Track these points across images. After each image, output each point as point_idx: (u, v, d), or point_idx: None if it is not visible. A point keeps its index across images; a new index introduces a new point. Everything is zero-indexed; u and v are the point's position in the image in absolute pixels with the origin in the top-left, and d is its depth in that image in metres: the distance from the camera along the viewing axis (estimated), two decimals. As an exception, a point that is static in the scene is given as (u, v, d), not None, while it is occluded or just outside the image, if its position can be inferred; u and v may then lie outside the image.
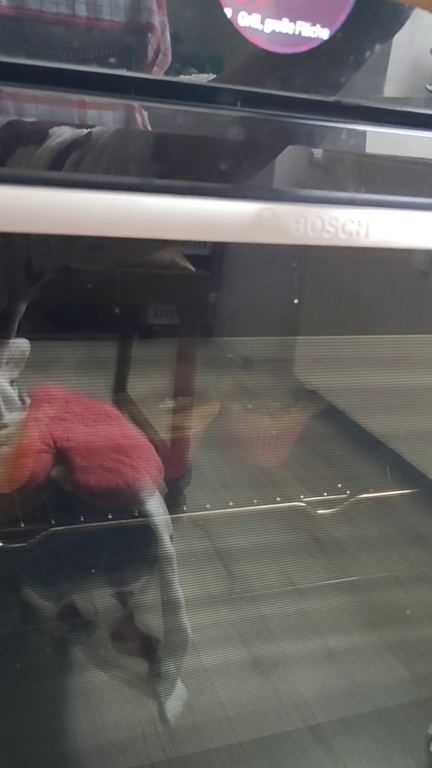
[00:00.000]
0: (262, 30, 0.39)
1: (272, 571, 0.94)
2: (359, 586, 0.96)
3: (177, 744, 0.82)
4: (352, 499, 0.86)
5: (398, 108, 0.45)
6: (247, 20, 0.38)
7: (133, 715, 0.82)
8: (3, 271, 0.61)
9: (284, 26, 0.39)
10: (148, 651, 0.78)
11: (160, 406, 0.83)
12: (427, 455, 0.94)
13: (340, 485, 0.86)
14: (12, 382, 0.70)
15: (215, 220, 0.39)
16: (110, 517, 0.72)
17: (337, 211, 0.42)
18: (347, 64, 0.42)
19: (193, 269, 0.73)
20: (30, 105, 0.39)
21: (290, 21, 0.39)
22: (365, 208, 0.42)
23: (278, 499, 0.83)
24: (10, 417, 0.68)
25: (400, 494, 0.89)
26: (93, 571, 0.75)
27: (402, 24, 0.42)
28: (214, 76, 0.44)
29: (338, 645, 0.94)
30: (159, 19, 0.44)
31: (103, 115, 0.41)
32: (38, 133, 0.55)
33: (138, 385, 0.89)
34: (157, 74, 0.42)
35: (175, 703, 0.78)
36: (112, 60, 0.40)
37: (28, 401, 0.72)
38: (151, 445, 0.75)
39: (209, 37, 0.42)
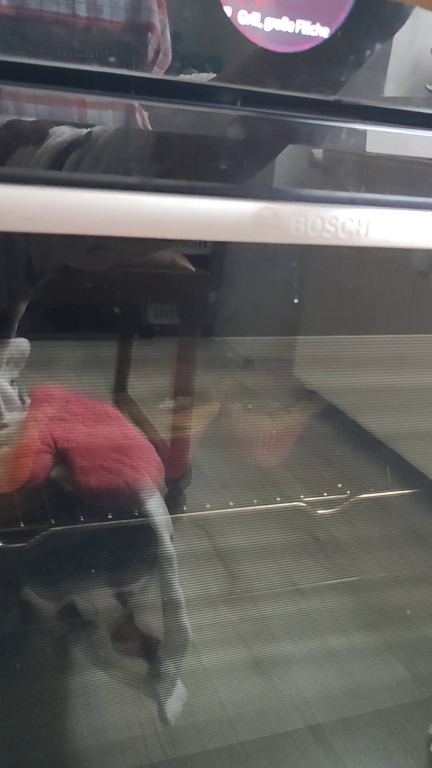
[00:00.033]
0: (262, 29, 0.39)
1: (272, 571, 0.94)
2: (359, 587, 0.96)
3: (177, 744, 0.82)
4: (352, 499, 0.86)
5: (398, 107, 0.45)
6: (246, 19, 0.38)
7: (133, 716, 0.81)
8: (3, 271, 0.61)
9: (284, 25, 0.39)
10: (148, 651, 0.78)
11: (160, 406, 0.83)
12: (427, 455, 0.94)
13: (340, 485, 0.86)
14: (12, 382, 0.69)
15: (215, 220, 0.39)
16: (110, 517, 0.72)
17: (337, 211, 0.41)
18: (347, 63, 0.42)
19: (193, 269, 0.73)
20: (30, 104, 0.39)
21: (290, 20, 0.39)
22: (365, 207, 0.42)
23: (278, 499, 0.83)
24: (10, 417, 0.68)
25: (400, 494, 0.89)
26: (93, 571, 0.75)
27: (402, 23, 0.42)
28: (214, 75, 0.44)
29: (338, 645, 0.94)
30: (159, 18, 0.44)
31: (104, 115, 0.41)
32: (38, 132, 0.55)
33: (138, 385, 0.89)
34: (157, 73, 0.42)
35: (175, 703, 0.78)
36: (112, 59, 0.40)
37: (28, 401, 0.72)
38: (151, 445, 0.75)
39: (209, 36, 0.42)
